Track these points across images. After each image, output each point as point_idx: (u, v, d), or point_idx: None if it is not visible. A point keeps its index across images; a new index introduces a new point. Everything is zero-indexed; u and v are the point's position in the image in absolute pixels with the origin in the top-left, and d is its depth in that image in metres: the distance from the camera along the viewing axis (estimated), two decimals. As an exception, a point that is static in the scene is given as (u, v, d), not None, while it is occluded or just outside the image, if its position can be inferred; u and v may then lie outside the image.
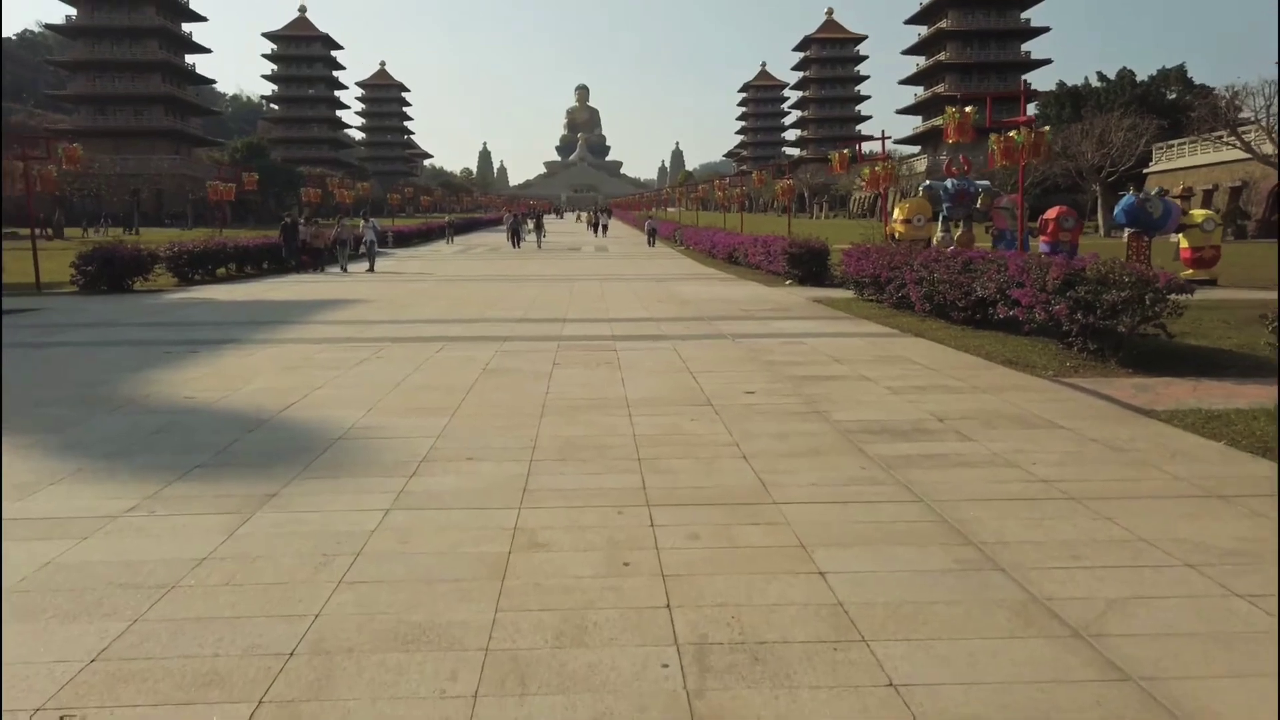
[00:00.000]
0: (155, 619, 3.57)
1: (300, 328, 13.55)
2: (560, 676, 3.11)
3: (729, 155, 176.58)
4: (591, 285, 21.06)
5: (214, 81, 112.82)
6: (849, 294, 17.15)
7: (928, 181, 23.90)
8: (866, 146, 25.92)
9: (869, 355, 10.11)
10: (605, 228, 58.94)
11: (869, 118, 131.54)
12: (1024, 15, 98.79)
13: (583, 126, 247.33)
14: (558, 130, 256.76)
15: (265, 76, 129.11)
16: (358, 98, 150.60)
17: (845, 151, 24.60)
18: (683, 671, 3.13)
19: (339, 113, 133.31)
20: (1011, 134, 13.71)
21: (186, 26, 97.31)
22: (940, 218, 21.27)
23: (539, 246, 42.60)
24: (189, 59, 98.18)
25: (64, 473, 5.61)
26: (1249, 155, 41.35)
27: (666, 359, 10.04)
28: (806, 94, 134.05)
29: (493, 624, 3.50)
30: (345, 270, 26.63)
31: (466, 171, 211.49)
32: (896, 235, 20.53)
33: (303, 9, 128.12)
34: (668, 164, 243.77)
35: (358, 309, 16.13)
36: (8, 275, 18.10)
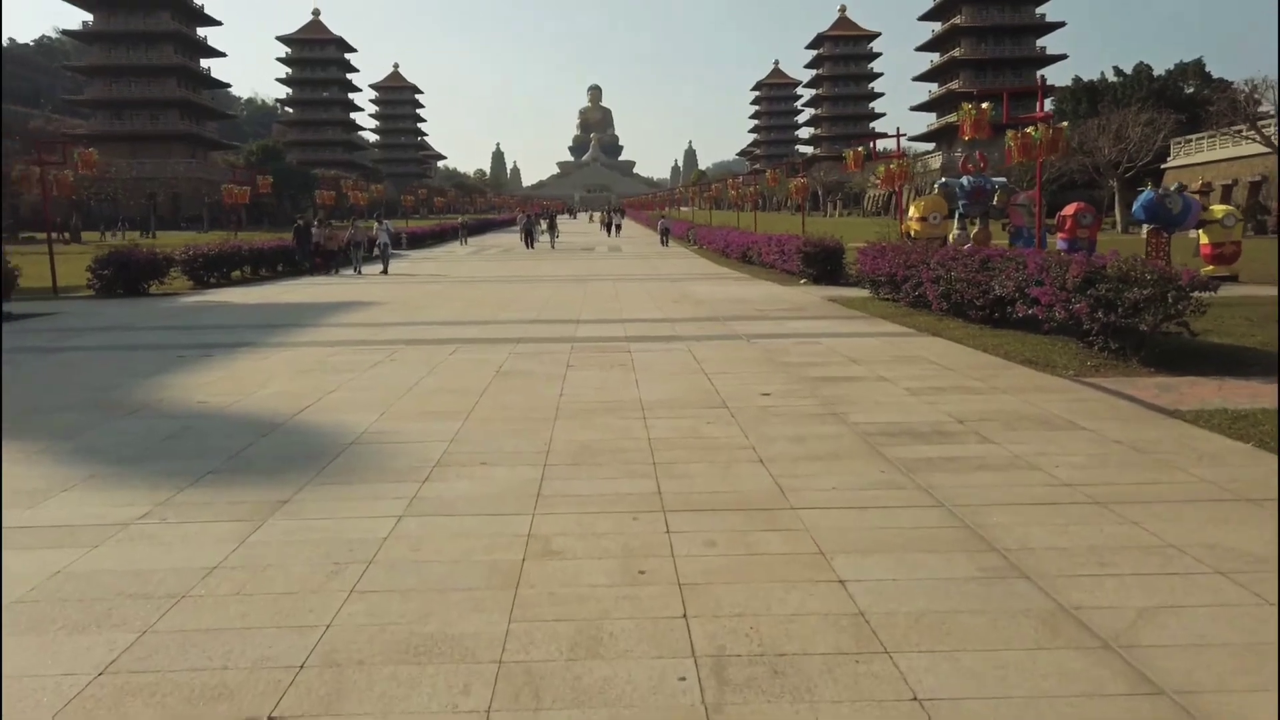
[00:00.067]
0: (165, 630, 3.52)
1: (314, 330, 13.54)
2: (575, 690, 3.04)
3: (742, 154, 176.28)
4: (605, 285, 21.00)
5: (229, 85, 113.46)
6: (864, 293, 17.02)
7: (943, 179, 23.71)
8: (881, 144, 25.72)
9: (886, 355, 9.99)
10: (618, 228, 58.87)
11: (883, 115, 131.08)
12: (1039, 10, 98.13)
13: (595, 126, 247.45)
14: (570, 130, 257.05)
15: (280, 80, 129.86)
16: (371, 100, 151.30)
17: (860, 149, 24.39)
18: (700, 685, 3.05)
19: (353, 115, 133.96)
20: (1028, 130, 13.55)
21: (201, 31, 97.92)
22: (956, 215, 21.09)
23: (552, 247, 42.59)
24: (204, 63, 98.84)
25: (76, 479, 5.58)
26: (1269, 149, 40.88)
27: (681, 360, 9.96)
28: (820, 92, 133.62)
29: (506, 635, 3.43)
30: (359, 272, 26.67)
31: (480, 172, 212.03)
32: (912, 233, 20.36)
33: (316, 12, 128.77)
34: (680, 163, 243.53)
35: (371, 311, 16.12)
36: (25, 280, 18.15)
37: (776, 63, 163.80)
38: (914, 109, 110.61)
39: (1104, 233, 27.23)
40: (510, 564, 4.13)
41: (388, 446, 6.31)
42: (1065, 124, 13.35)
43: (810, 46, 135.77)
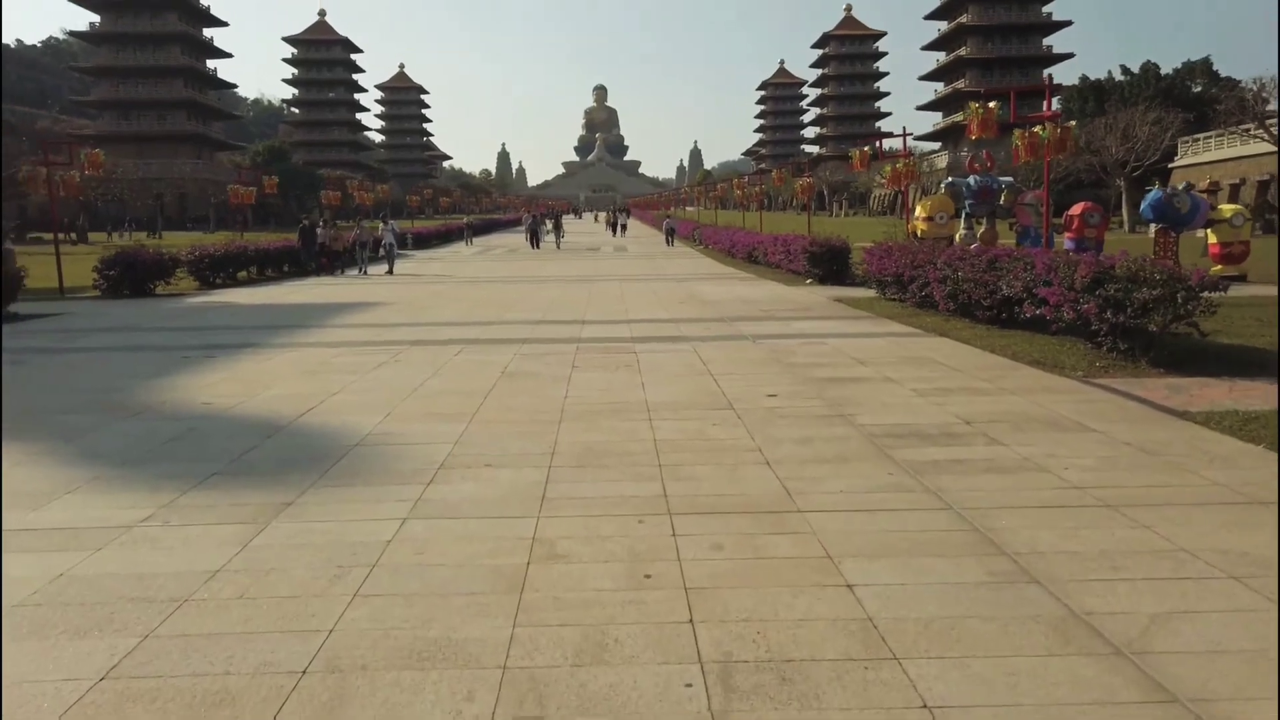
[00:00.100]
0: (166, 635, 3.49)
1: (319, 331, 13.53)
2: (580, 697, 3.00)
3: (747, 154, 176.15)
4: (610, 286, 20.97)
5: (235, 86, 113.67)
6: (871, 293, 16.96)
7: (950, 178, 23.63)
8: (887, 143, 25.65)
9: (893, 356, 9.94)
10: (624, 227, 58.87)
11: (889, 114, 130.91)
12: (1045, 9, 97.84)
13: (601, 126, 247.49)
14: (576, 130, 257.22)
15: (286, 80, 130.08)
16: (377, 100, 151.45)
17: (866, 149, 24.34)
18: (707, 692, 3.01)
19: (359, 115, 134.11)
20: (1036, 129, 13.48)
21: (208, 32, 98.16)
22: (963, 215, 21.02)
23: (558, 247, 42.56)
24: (211, 64, 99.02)
25: (80, 481, 5.56)
26: (1277, 148, 40.67)
27: (687, 361, 9.92)
28: (825, 91, 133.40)
29: (510, 640, 3.40)
30: (365, 273, 26.68)
31: (485, 172, 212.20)
32: (919, 233, 20.30)
33: (322, 13, 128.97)
34: (686, 163, 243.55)
35: (376, 312, 16.11)
36: (32, 280, 18.21)
37: (782, 62, 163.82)
38: (920, 108, 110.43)
39: (1111, 232, 27.10)
40: (515, 568, 4.09)
41: (392, 448, 6.28)
42: (1073, 123, 13.27)
43: (816, 46, 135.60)
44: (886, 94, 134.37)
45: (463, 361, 10.22)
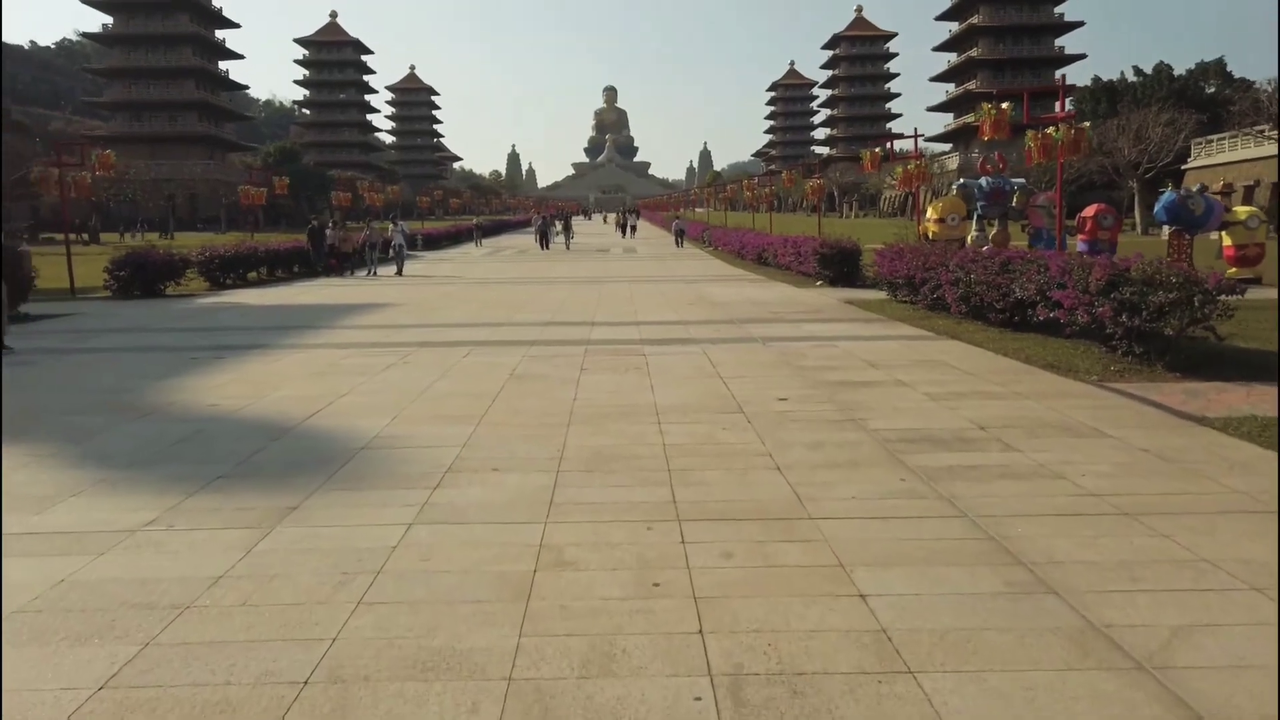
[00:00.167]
0: (168, 642, 3.44)
1: (327, 332, 13.51)
2: (587, 710, 2.93)
3: (757, 155, 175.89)
4: (620, 287, 20.90)
5: (247, 87, 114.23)
6: (881, 295, 16.85)
7: (962, 180, 23.49)
8: (898, 145, 25.51)
9: (905, 359, 9.84)
10: (633, 229, 58.78)
11: (899, 115, 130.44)
12: (1057, 10, 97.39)
13: (611, 128, 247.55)
14: (586, 132, 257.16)
15: (297, 82, 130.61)
16: (388, 101, 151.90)
17: (877, 150, 24.22)
18: (716, 706, 2.94)
19: (369, 117, 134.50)
20: (1049, 130, 13.37)
21: (220, 33, 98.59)
22: (975, 217, 20.88)
23: (567, 248, 42.55)
24: (222, 65, 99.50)
25: (85, 483, 5.53)
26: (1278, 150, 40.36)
27: (696, 364, 9.85)
28: (836, 92, 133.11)
29: (516, 650, 3.33)
30: (374, 274, 26.69)
31: (495, 174, 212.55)
32: (930, 235, 20.17)
33: (334, 15, 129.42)
34: (696, 164, 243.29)
35: (385, 313, 16.09)
36: (43, 280, 18.27)
37: (792, 63, 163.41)
38: (931, 109, 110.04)
39: (1124, 234, 26.91)
40: (521, 575, 4.03)
41: (399, 451, 6.23)
42: (1087, 124, 13.15)
43: (826, 47, 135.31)
44: (897, 95, 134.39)
45: (471, 363, 10.17)
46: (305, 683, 3.12)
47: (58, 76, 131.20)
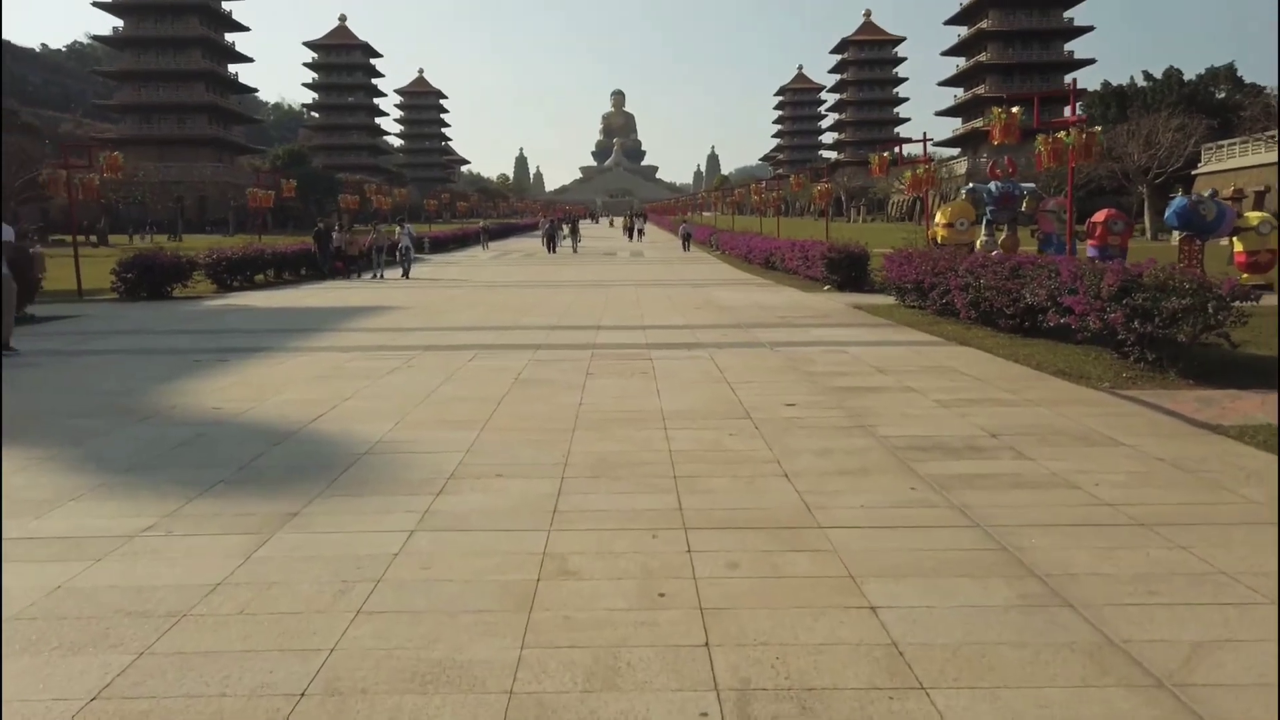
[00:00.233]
0: (163, 652, 3.37)
1: (332, 335, 13.47)
2: (589, 726, 2.85)
3: (765, 159, 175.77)
4: (626, 291, 20.83)
5: (256, 90, 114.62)
6: (889, 300, 16.73)
7: (971, 184, 23.38)
8: (905, 149, 25.42)
9: (914, 365, 9.74)
10: (641, 232, 58.75)
11: (907, 120, 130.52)
12: (1066, 15, 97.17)
13: (618, 131, 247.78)
14: (593, 135, 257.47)
15: (306, 85, 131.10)
16: (396, 105, 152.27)
17: (885, 154, 24.14)
18: (723, 722, 2.85)
19: (378, 120, 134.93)
20: (1060, 135, 13.26)
21: (229, 36, 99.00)
22: (984, 221, 20.76)
23: (574, 252, 42.50)
24: (231, 68, 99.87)
25: (85, 488, 5.47)
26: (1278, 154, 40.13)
27: (703, 368, 9.76)
28: (844, 96, 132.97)
29: (518, 663, 3.25)
30: (380, 276, 26.68)
31: (503, 177, 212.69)
32: (939, 239, 20.08)
33: (343, 18, 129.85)
34: (703, 168, 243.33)
35: (391, 316, 16.05)
36: (51, 282, 18.30)
37: (800, 67, 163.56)
38: (939, 114, 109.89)
39: (1134, 240, 26.74)
40: (524, 584, 3.95)
41: (401, 457, 6.16)
42: (1099, 128, 13.03)
43: (834, 51, 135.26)
44: (905, 99, 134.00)
45: (476, 367, 10.10)
46: (302, 694, 3.05)
47: (68, 79, 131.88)
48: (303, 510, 4.98)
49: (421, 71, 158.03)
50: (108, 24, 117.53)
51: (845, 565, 4.12)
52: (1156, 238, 44.73)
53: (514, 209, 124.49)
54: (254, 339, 12.86)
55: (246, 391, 8.67)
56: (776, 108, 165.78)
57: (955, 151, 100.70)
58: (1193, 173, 51.91)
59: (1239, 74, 67.73)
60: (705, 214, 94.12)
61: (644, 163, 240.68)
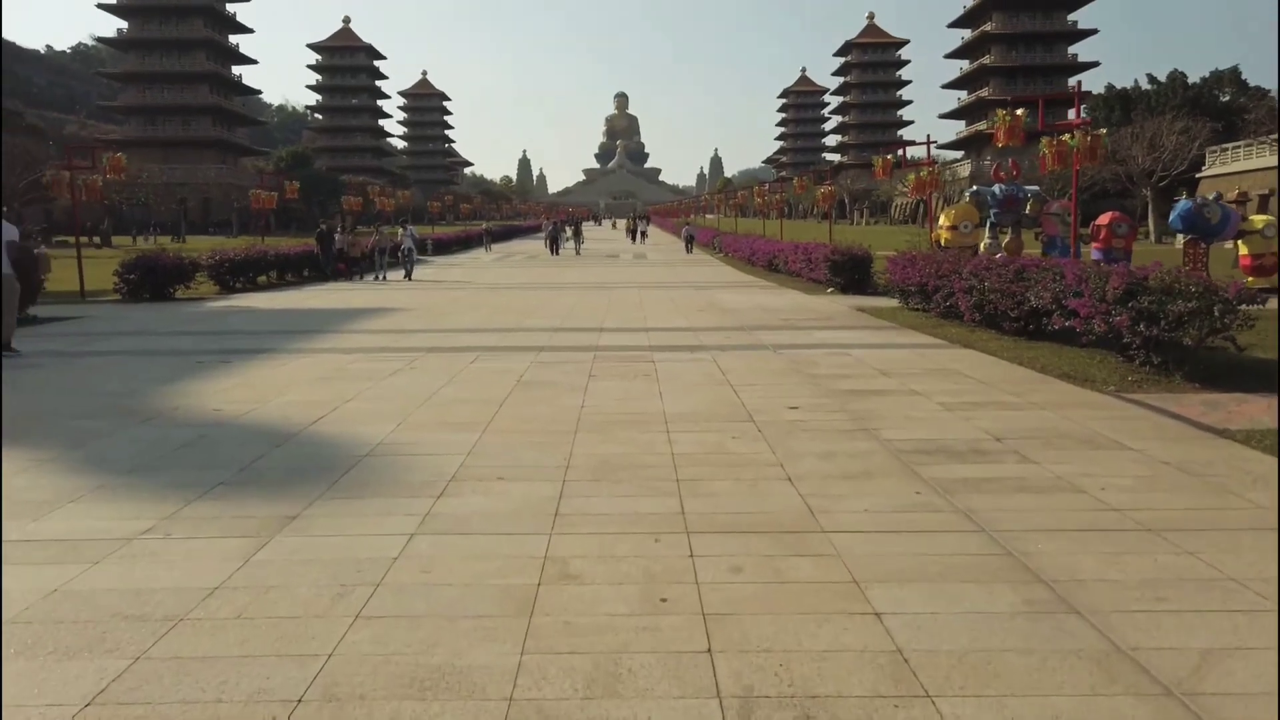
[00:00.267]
0: (159, 657, 3.33)
1: (335, 337, 13.45)
2: (590, 734, 2.81)
3: (768, 161, 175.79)
4: (629, 293, 20.80)
5: (260, 92, 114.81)
6: (893, 302, 16.69)
7: (975, 187, 23.33)
8: (909, 151, 25.39)
9: (918, 368, 9.70)
10: (644, 235, 58.72)
11: (911, 123, 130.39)
12: (1070, 17, 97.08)
13: (621, 134, 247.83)
14: (597, 138, 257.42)
15: (310, 87, 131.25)
16: (400, 107, 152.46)
17: (889, 156, 24.11)
18: (726, 731, 2.81)
19: (381, 122, 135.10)
20: (1065, 137, 13.21)
21: (233, 38, 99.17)
22: (988, 224, 20.71)
23: (577, 254, 42.49)
24: (235, 70, 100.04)
25: (85, 490, 5.44)
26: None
27: (706, 371, 9.72)
28: (847, 99, 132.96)
29: (518, 669, 3.21)
30: (383, 278, 26.66)
31: (506, 179, 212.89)
32: (943, 242, 20.03)
33: (347, 20, 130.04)
34: (706, 170, 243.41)
35: (394, 318, 16.03)
36: (54, 283, 18.30)
37: (804, 70, 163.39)
38: (943, 116, 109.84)
39: (1138, 243, 26.68)
40: (525, 589, 3.91)
41: (402, 459, 6.12)
42: (1103, 131, 12.97)
43: (838, 54, 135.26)
44: (909, 102, 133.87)
45: (478, 369, 10.07)
46: (299, 701, 3.01)
47: (73, 81, 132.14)
48: (302, 513, 4.94)
49: (425, 73, 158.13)
50: (112, 26, 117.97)
51: (849, 570, 4.08)
52: (1161, 241, 44.65)
53: (517, 211, 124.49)
54: (256, 340, 12.84)
55: (248, 393, 8.65)
56: (780, 110, 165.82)
57: (959, 154, 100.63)
58: (1197, 176, 51.81)
59: (1243, 77, 67.66)
60: (708, 216, 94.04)
61: (647, 165, 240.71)
